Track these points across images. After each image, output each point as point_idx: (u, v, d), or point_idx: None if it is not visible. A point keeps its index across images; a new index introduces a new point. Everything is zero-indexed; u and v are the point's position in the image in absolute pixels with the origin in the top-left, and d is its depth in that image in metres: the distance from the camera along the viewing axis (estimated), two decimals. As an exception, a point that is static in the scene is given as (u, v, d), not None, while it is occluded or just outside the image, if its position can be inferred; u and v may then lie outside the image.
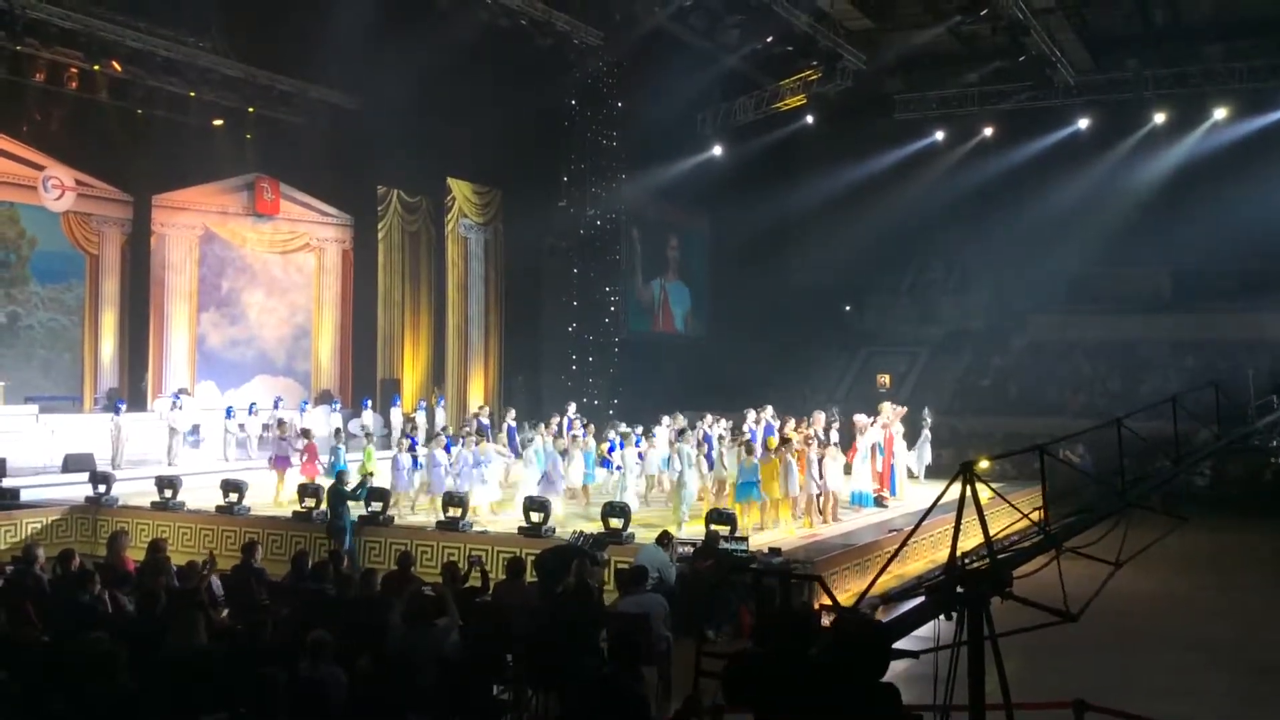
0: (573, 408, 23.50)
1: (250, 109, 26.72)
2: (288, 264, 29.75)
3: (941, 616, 5.03)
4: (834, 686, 4.50)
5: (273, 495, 18.65)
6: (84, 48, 23.13)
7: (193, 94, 25.46)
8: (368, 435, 21.54)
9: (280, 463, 19.19)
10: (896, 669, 4.52)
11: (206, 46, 25.33)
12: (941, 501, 5.65)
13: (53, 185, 24.29)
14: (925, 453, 21.03)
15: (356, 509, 16.04)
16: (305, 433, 20.05)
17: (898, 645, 4.74)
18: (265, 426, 24.25)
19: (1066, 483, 9.20)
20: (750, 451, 16.53)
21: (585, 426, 20.27)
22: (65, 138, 24.46)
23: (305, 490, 16.71)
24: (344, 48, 23.67)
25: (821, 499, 16.95)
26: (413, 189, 30.08)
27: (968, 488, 5.19)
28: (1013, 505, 6.36)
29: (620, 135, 29.99)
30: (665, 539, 12.77)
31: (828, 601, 5.49)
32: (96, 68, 23.64)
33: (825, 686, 4.50)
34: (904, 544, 6.43)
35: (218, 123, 26.56)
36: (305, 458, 19.09)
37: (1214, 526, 18.91)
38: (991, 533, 5.28)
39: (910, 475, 20.12)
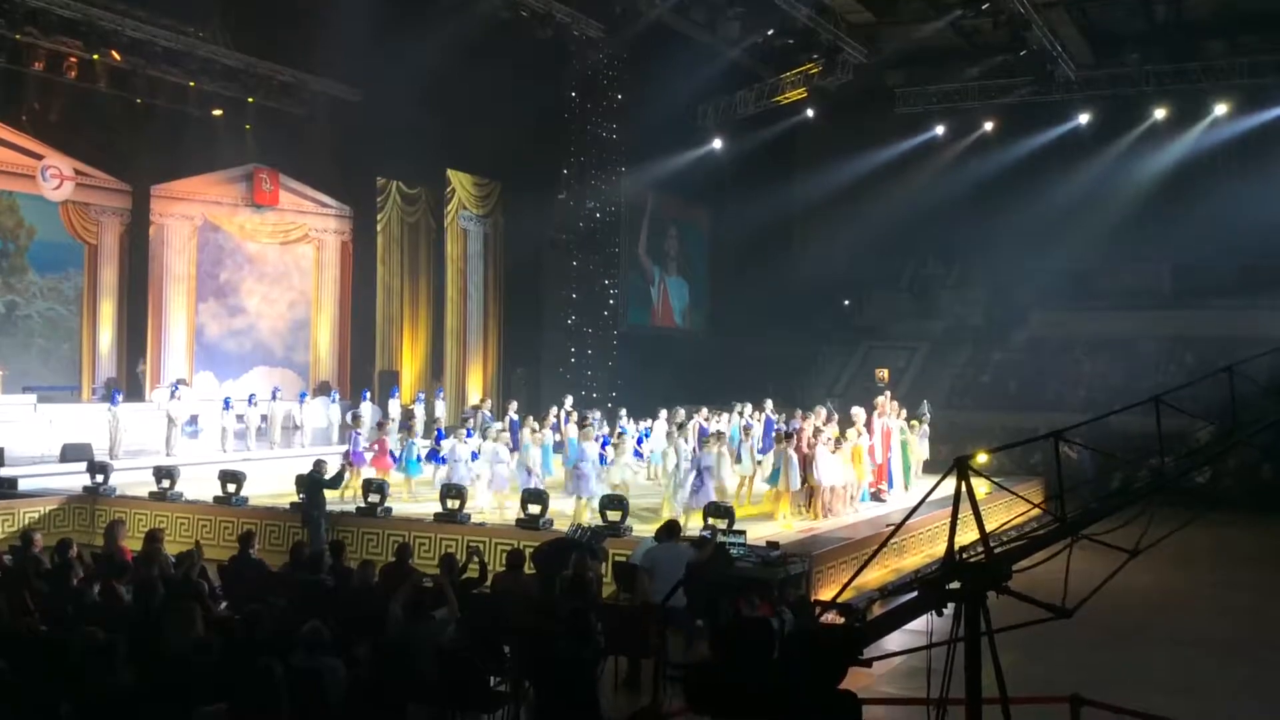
0: (569, 400, 23.50)
1: (250, 99, 26.68)
2: (286, 255, 29.72)
3: (941, 610, 5.03)
4: (792, 694, 4.55)
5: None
6: (83, 37, 23.10)
7: (192, 84, 25.44)
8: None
9: (357, 458, 18.72)
10: (894, 663, 4.52)
11: (206, 37, 25.31)
12: (939, 497, 5.64)
13: (51, 175, 24.27)
14: (923, 447, 21.03)
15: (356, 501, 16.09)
16: (379, 425, 19.70)
17: (894, 643, 4.75)
18: (264, 418, 24.26)
19: (1070, 477, 9.16)
20: (780, 441, 16.99)
21: (583, 423, 20.23)
22: (64, 127, 24.43)
23: (370, 486, 16.44)
24: (344, 39, 23.64)
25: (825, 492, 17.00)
26: (412, 180, 30.04)
27: (963, 483, 5.18)
28: (1021, 496, 6.37)
29: (620, 128, 29.95)
30: (665, 534, 12.76)
31: (822, 596, 5.50)
32: (96, 57, 23.60)
33: (784, 694, 4.55)
34: (885, 542, 6.45)
35: (217, 113, 26.52)
36: (376, 451, 18.82)
37: (1211, 522, 18.88)
38: (994, 526, 5.27)
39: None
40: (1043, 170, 31.78)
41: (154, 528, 12.93)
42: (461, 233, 30.81)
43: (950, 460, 5.38)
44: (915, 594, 5.12)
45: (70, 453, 20.08)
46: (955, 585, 4.97)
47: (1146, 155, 31.44)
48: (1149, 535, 5.29)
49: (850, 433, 18.22)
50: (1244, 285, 30.74)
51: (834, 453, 17.08)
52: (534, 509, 15.01)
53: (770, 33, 27.97)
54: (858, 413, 19.13)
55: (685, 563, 10.58)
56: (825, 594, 13.16)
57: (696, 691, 4.87)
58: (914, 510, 5.98)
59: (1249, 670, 11.44)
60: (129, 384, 24.92)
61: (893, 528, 6.66)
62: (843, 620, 5.27)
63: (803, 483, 16.81)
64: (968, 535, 5.16)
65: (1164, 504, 5.52)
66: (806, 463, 16.78)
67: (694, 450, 17.59)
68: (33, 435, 21.24)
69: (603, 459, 19.01)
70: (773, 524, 16.21)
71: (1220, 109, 29.95)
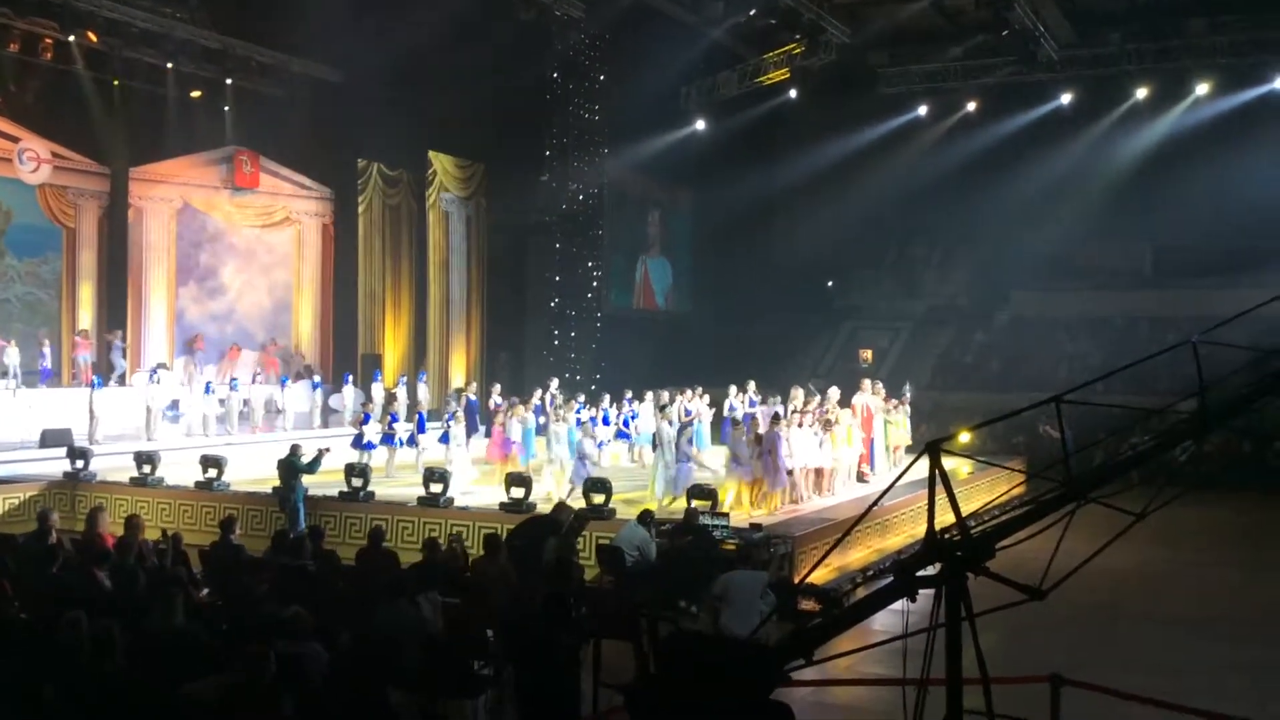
0: (555, 383, 23.47)
1: (229, 81, 26.45)
2: (267, 238, 29.54)
3: (913, 597, 5.04)
4: (729, 706, 4.63)
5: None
6: (59, 18, 22.87)
7: (170, 65, 25.20)
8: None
9: (506, 446, 18.36)
10: (877, 639, 4.52)
11: (184, 17, 25.07)
12: (920, 477, 5.62)
13: (28, 157, 24.02)
14: (905, 429, 21.08)
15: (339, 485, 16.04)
16: (492, 415, 19.29)
17: (879, 623, 4.73)
18: (245, 402, 24.14)
19: (1050, 455, 9.15)
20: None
21: (567, 403, 20.26)
22: (41, 109, 24.20)
23: (352, 470, 16.35)
24: (324, 19, 23.43)
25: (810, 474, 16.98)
26: (393, 162, 29.83)
27: (935, 467, 5.16)
28: (1009, 468, 6.34)
29: (603, 109, 29.79)
30: (646, 517, 12.79)
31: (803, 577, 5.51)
32: (72, 38, 23.35)
33: (717, 706, 4.63)
34: (850, 530, 6.47)
35: (196, 95, 26.29)
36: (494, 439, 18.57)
37: (1193, 501, 19.00)
38: (977, 505, 5.26)
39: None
40: (1025, 150, 31.81)
41: (133, 514, 12.83)
42: (444, 215, 30.64)
43: (932, 440, 5.37)
44: (891, 580, 5.13)
45: (50, 438, 19.95)
46: (932, 570, 4.97)
47: (1128, 135, 31.52)
48: (1141, 506, 5.23)
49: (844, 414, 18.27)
50: (1226, 265, 30.83)
51: (818, 435, 17.07)
52: (517, 492, 14.99)
53: (753, 12, 27.85)
54: (832, 393, 19.20)
55: (760, 592, 9.63)
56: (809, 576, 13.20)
57: (636, 705, 4.96)
58: (882, 495, 5.97)
59: (1232, 649, 11.50)
60: (102, 363, 24.67)
61: (856, 517, 6.63)
62: (820, 606, 5.31)
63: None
64: (953, 515, 5.14)
65: (1145, 482, 5.50)
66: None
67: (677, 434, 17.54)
68: (11, 421, 21.10)
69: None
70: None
71: (1202, 88, 30.02)
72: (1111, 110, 31.43)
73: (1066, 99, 31.45)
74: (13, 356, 22.72)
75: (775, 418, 16.82)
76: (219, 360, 27.53)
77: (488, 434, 21.04)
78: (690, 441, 17.61)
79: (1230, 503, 19.85)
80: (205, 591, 10.03)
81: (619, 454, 21.38)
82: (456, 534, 12.37)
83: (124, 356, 24.83)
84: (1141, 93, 30.71)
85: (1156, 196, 30.32)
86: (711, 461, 18.13)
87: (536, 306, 30.50)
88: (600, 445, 19.67)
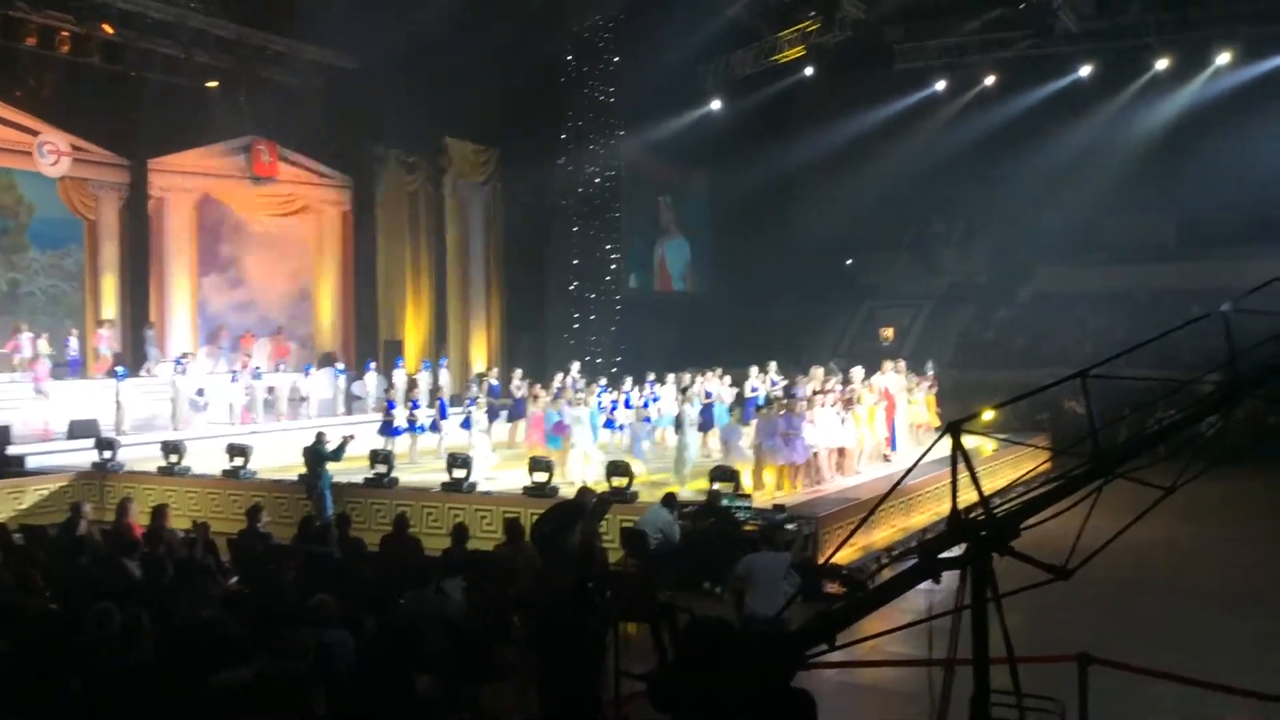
0: (576, 367, 23.48)
1: (244, 70, 26.45)
2: (287, 227, 29.57)
3: (937, 579, 5.02)
4: (746, 694, 4.65)
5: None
6: (74, 10, 22.89)
7: (186, 56, 25.21)
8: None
9: (560, 429, 17.89)
10: (903, 620, 4.51)
11: (198, 7, 25.04)
12: (943, 455, 5.59)
13: (48, 150, 24.10)
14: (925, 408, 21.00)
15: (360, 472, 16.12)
16: (532, 398, 19.24)
17: (905, 602, 4.72)
18: (270, 390, 24.28)
19: (1075, 431, 9.06)
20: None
21: (588, 387, 20.29)
22: (59, 102, 24.22)
23: (376, 456, 16.36)
24: (338, 6, 23.40)
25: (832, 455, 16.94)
26: (410, 149, 29.79)
27: (957, 448, 5.12)
28: (1035, 446, 6.25)
29: (617, 91, 29.68)
30: (670, 500, 12.81)
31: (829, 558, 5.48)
32: (87, 30, 23.40)
33: (738, 694, 4.65)
34: (872, 511, 6.45)
35: (212, 85, 26.30)
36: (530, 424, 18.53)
37: (1217, 475, 18.85)
38: (1002, 483, 5.20)
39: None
40: (1044, 124, 31.55)
41: (159, 504, 12.94)
42: (461, 200, 30.65)
43: (956, 417, 5.33)
44: (915, 562, 5.11)
45: (77, 429, 20.12)
46: (957, 552, 4.95)
47: (1149, 107, 31.21)
48: (1169, 481, 5.18)
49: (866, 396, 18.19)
50: (1248, 236, 30.57)
51: (840, 414, 17.02)
52: (540, 477, 15.03)
53: (767, -10, 27.72)
54: (856, 373, 19.16)
55: (784, 573, 9.23)
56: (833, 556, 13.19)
57: (658, 695, 4.99)
58: (906, 474, 5.94)
59: (1260, 625, 11.42)
60: (134, 356, 24.82)
61: (880, 496, 6.60)
62: (844, 590, 5.29)
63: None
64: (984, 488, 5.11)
65: (1171, 456, 5.44)
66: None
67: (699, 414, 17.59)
68: (39, 413, 21.26)
69: (611, 424, 19.16)
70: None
71: (1223, 58, 29.67)
72: (1132, 82, 31.10)
73: (1086, 71, 31.13)
74: (42, 349, 22.90)
75: (792, 397, 16.82)
76: (234, 349, 27.62)
77: (509, 419, 21.15)
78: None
79: (1256, 476, 19.70)
80: (233, 580, 10.12)
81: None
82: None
83: (154, 345, 25.00)
84: (1162, 64, 30.38)
85: (1178, 168, 30.06)
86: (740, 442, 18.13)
87: (556, 290, 30.52)
88: (620, 428, 19.72)
